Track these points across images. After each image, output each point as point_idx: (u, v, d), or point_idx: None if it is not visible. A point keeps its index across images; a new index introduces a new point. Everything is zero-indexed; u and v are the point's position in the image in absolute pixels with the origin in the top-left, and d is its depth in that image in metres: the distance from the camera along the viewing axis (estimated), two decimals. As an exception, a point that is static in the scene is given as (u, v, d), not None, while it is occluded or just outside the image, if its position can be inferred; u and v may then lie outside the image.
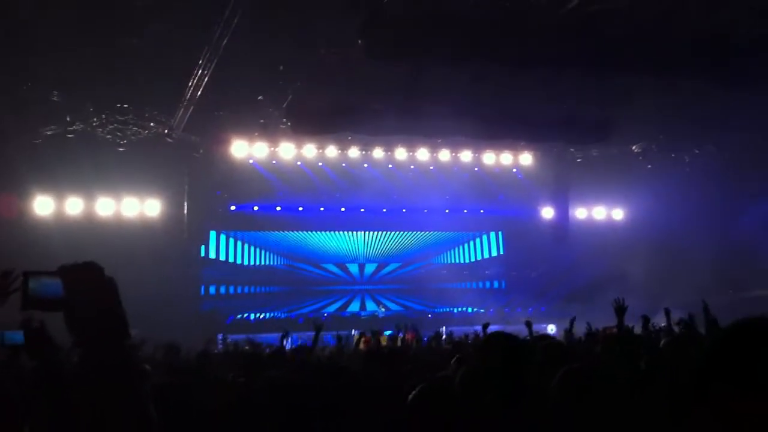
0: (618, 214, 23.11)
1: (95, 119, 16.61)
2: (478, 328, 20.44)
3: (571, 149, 20.94)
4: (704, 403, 1.50)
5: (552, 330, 21.52)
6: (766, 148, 17.33)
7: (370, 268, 23.29)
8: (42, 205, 17.30)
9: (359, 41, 11.64)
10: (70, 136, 16.73)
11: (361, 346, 11.53)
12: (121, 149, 17.22)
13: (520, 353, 3.06)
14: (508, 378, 2.97)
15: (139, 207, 18.29)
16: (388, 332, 15.00)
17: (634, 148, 20.51)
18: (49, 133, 16.56)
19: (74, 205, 17.64)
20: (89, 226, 17.12)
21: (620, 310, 6.58)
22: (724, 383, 1.48)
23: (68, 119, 16.48)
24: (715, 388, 1.49)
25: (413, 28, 11.07)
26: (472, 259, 24.34)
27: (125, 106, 16.27)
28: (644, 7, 11.63)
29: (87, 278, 1.81)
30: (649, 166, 20.78)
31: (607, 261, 20.03)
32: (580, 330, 9.47)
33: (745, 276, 17.93)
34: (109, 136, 17.05)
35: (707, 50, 12.02)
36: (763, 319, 1.52)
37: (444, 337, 14.41)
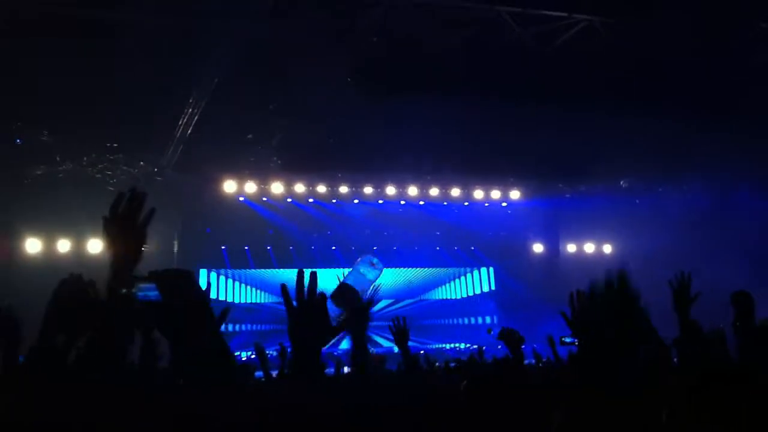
0: (607, 248, 23.13)
1: (85, 159, 16.65)
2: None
3: (560, 185, 21.04)
4: None
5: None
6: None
7: (361, 306, 23.16)
8: (32, 246, 17.27)
9: (348, 80, 11.82)
10: (59, 176, 16.79)
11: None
12: (110, 189, 17.23)
13: None
14: None
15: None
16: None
17: (621, 183, 20.63)
18: (38, 173, 16.60)
19: (64, 246, 17.59)
20: (79, 265, 16.98)
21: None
22: None
23: (58, 159, 16.54)
24: None
25: (401, 70, 11.27)
26: (464, 295, 24.28)
27: (114, 145, 16.32)
28: (629, 47, 11.86)
29: (181, 281, 1.94)
30: (637, 201, 20.87)
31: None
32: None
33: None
34: (98, 175, 17.09)
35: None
36: None
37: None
